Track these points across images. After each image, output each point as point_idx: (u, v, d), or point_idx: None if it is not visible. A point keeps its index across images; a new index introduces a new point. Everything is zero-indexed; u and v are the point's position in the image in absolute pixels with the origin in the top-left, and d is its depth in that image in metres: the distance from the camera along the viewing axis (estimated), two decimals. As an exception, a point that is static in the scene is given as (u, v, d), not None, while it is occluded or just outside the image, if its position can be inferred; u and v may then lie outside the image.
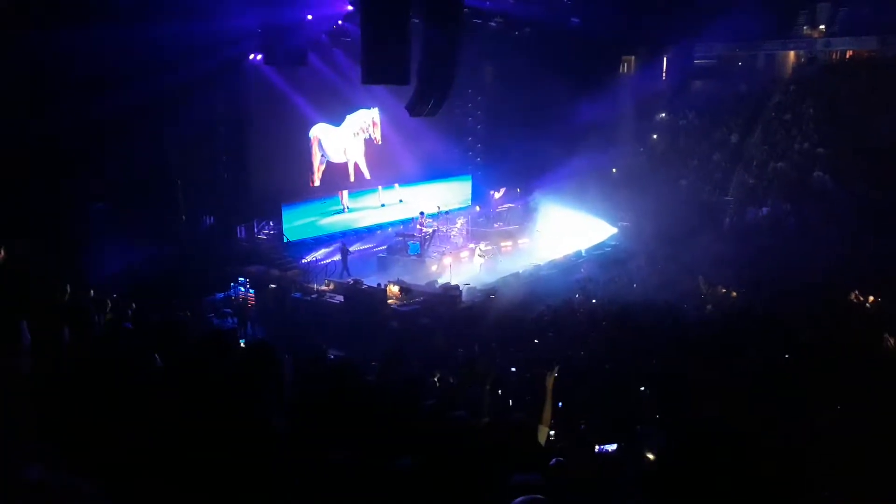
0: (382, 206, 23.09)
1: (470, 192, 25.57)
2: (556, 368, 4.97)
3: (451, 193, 24.66)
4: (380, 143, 22.44)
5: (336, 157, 21.76)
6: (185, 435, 2.52)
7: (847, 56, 26.71)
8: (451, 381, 8.12)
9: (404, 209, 23.15)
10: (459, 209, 24.16)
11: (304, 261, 19.49)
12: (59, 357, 2.31)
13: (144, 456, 2.20)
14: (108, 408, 2.39)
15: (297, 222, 20.29)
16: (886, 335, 12.36)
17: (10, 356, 2.28)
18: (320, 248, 20.31)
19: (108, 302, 7.81)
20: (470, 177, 25.70)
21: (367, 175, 22.71)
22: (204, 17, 15.03)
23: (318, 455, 2.84)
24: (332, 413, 3.45)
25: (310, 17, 17.73)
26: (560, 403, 8.15)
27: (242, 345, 5.92)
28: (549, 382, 4.82)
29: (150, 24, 13.97)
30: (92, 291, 9.67)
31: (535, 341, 12.77)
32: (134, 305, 9.32)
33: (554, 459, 3.89)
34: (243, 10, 16.33)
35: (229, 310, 15.60)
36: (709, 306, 15.72)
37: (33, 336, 2.34)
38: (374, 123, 22.19)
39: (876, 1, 22.74)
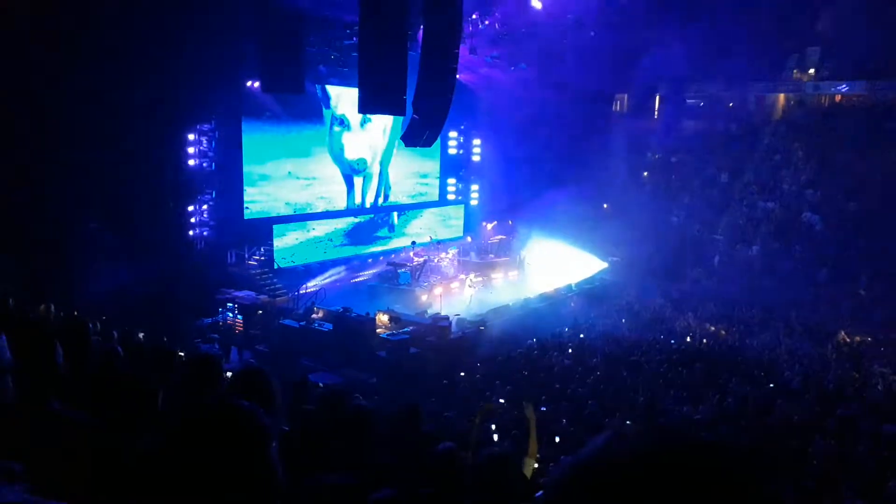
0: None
1: (462, 222, 25.74)
2: (529, 400, 4.92)
3: (444, 223, 24.86)
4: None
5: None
6: (175, 458, 2.49)
7: (836, 99, 27.19)
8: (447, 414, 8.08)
9: (397, 239, 23.28)
10: (451, 239, 24.25)
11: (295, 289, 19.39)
12: (49, 376, 2.28)
13: (133, 482, 2.18)
14: (99, 430, 2.37)
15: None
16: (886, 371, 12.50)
17: None
18: (311, 277, 20.22)
19: (97, 323, 7.75)
20: (463, 205, 25.93)
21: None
22: (203, 41, 15.17)
23: (309, 480, 2.81)
24: (322, 440, 3.42)
25: (312, 48, 17.94)
26: (556, 436, 8.13)
27: (228, 375, 5.85)
28: (530, 414, 4.77)
29: (148, 46, 14.09)
30: (76, 312, 9.59)
31: (524, 373, 12.76)
32: (121, 328, 9.24)
33: (540, 492, 3.85)
34: (242, 37, 16.53)
35: (216, 335, 15.50)
36: (697, 342, 15.75)
37: (18, 354, 2.31)
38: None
39: (863, 47, 23.19)
